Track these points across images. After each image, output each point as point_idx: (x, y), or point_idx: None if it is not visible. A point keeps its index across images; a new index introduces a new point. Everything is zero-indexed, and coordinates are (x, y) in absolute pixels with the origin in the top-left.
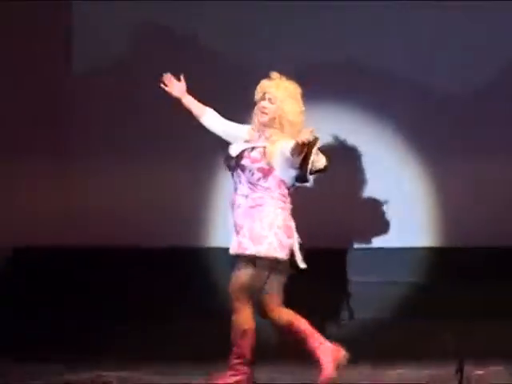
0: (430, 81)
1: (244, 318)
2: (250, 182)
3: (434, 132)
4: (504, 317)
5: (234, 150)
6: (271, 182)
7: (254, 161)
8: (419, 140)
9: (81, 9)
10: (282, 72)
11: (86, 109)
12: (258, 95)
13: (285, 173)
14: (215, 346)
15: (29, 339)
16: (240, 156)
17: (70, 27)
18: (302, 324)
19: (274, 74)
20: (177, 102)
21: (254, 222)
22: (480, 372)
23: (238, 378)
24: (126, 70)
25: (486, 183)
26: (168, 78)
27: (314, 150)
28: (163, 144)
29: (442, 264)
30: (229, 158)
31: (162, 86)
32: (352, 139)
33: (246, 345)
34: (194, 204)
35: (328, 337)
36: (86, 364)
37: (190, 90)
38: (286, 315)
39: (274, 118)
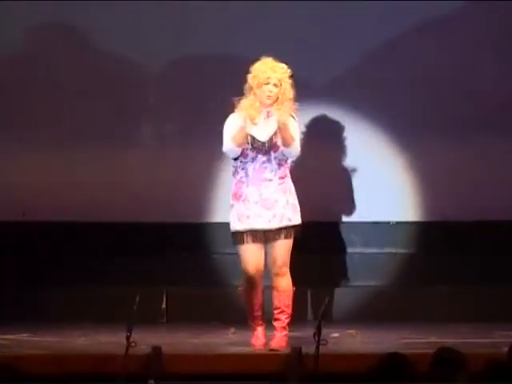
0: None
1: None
2: (279, 159)
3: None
4: None
5: (261, 136)
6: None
7: None
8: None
9: None
10: None
11: None
12: (258, 80)
13: None
14: None
15: None
16: (272, 138)
17: None
18: None
19: (266, 58)
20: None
21: (285, 194)
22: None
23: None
24: None
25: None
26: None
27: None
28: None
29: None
30: (257, 142)
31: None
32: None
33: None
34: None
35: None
36: None
37: None
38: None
39: (277, 99)
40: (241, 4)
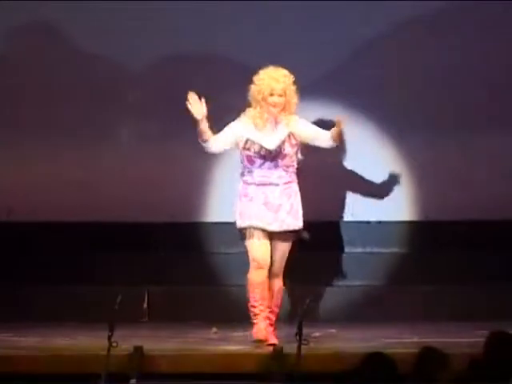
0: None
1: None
2: (286, 165)
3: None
4: None
5: (269, 144)
6: (296, 161)
7: (293, 147)
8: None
9: None
10: None
11: None
12: (263, 94)
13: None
14: None
15: None
16: (280, 146)
17: None
18: None
19: (268, 68)
20: (193, 121)
21: (289, 199)
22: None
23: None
24: None
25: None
26: (193, 98)
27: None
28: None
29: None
30: (264, 150)
31: (187, 103)
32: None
33: None
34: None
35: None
36: None
37: None
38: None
39: (284, 106)
40: (223, 3)
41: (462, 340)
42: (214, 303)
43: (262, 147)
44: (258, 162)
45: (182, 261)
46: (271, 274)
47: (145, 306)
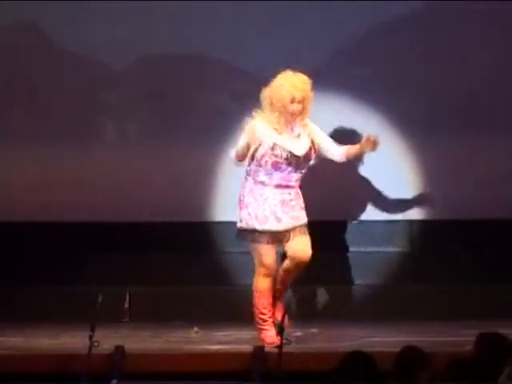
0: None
1: None
2: (303, 169)
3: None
4: None
5: (297, 151)
6: None
7: (314, 153)
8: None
9: None
10: None
11: None
12: (283, 102)
13: None
14: None
15: None
16: (307, 153)
17: None
18: None
19: (286, 74)
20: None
21: (300, 198)
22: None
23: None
24: None
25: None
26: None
27: None
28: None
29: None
30: (293, 157)
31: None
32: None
33: None
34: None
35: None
36: None
37: None
38: None
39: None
40: (208, 3)
41: (447, 339)
42: (196, 303)
43: (291, 153)
44: (283, 167)
45: (161, 260)
46: (289, 270)
47: (126, 305)
